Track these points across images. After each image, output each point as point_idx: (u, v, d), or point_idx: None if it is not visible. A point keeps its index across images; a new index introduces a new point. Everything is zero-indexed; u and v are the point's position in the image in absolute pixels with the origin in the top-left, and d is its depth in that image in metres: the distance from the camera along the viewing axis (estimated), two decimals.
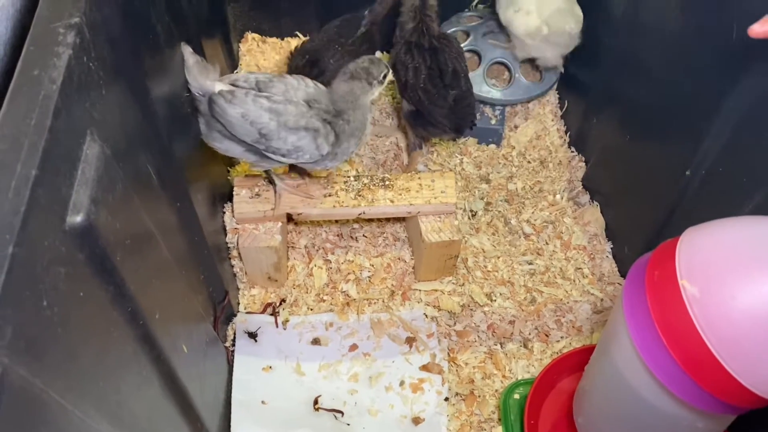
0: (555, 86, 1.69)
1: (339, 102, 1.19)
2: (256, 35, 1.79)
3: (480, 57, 1.65)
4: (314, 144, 1.16)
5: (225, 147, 1.21)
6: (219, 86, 1.14)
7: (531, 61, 1.63)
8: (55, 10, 0.75)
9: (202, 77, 1.14)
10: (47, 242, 0.62)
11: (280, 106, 1.14)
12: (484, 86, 1.62)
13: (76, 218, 0.67)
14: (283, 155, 1.18)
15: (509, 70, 1.64)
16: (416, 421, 1.30)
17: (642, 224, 1.39)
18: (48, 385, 0.59)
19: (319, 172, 1.38)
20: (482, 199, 1.58)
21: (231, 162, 1.52)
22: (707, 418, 0.83)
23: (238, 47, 1.76)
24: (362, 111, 1.21)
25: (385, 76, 1.22)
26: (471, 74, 1.62)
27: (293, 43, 1.80)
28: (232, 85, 1.15)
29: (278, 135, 1.14)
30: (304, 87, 1.18)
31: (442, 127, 1.48)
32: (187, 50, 1.15)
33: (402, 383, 1.35)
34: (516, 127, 1.69)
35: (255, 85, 1.16)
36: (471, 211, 1.56)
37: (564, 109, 1.68)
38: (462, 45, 1.64)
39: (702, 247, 0.77)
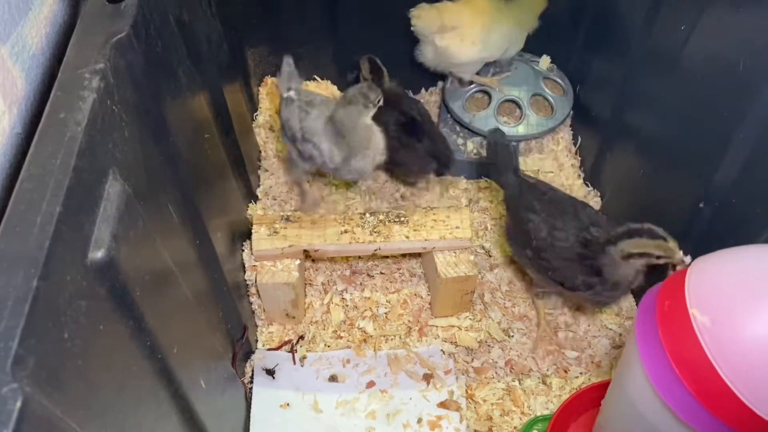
0: (568, 121, 1.71)
1: (338, 124, 1.35)
2: (275, 79, 1.84)
3: (490, 96, 1.68)
4: (318, 152, 1.37)
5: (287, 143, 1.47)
6: (286, 93, 1.42)
7: (542, 96, 1.66)
8: (82, 56, 0.79)
9: (285, 84, 1.42)
10: (69, 276, 0.65)
11: (308, 118, 1.37)
12: (495, 124, 1.65)
13: (98, 254, 0.70)
14: (305, 159, 1.42)
15: (519, 107, 1.66)
16: None
17: None
18: (68, 416, 0.61)
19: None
20: (499, 235, 1.59)
21: (250, 199, 1.55)
22: None
23: (258, 91, 1.81)
24: (364, 130, 1.35)
25: (379, 101, 1.35)
26: (482, 113, 1.66)
27: (311, 86, 1.85)
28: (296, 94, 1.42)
29: (302, 139, 1.38)
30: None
31: (422, 167, 1.55)
32: (286, 60, 1.43)
33: (420, 420, 1.34)
34: (530, 163, 1.71)
35: (307, 99, 1.41)
36: (485, 249, 1.57)
37: (578, 145, 1.70)
38: (472, 86, 1.69)
39: (712, 275, 0.77)
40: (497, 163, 1.41)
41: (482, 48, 1.57)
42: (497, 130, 1.44)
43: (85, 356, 0.65)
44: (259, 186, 1.64)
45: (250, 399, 1.34)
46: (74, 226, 0.67)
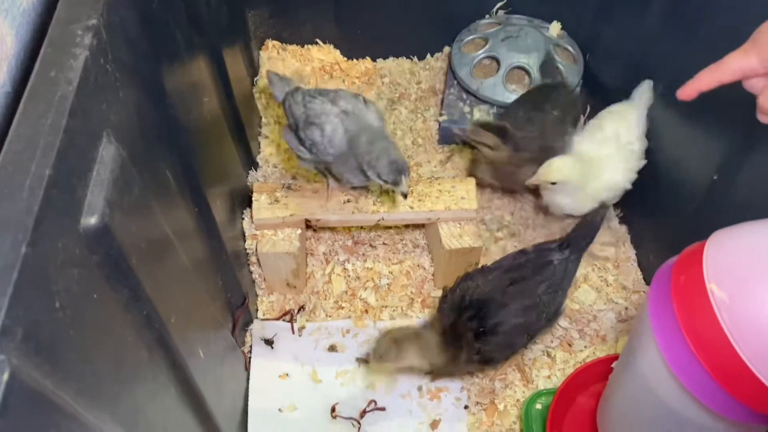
0: (578, 90, 1.67)
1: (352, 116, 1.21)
2: (276, 43, 1.79)
3: (499, 63, 1.63)
4: (321, 134, 1.20)
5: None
6: (285, 91, 1.30)
7: (552, 64, 1.61)
8: (73, 12, 0.75)
9: (280, 90, 1.31)
10: (61, 243, 0.62)
11: (315, 101, 1.23)
12: (504, 92, 1.60)
13: (91, 220, 0.67)
14: (307, 150, 1.25)
15: (529, 74, 1.62)
16: (434, 425, 1.28)
17: (667, 231, 1.36)
18: (60, 388, 0.58)
19: None
20: (506, 206, 1.56)
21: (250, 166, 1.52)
22: (738, 428, 0.80)
23: (259, 54, 1.76)
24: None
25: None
26: (490, 80, 1.62)
27: (313, 50, 1.80)
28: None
29: (305, 124, 1.22)
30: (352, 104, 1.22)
31: None
32: (269, 76, 1.34)
33: (420, 389, 1.33)
34: None
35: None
36: (486, 224, 1.54)
37: (586, 115, 1.66)
38: (480, 51, 1.64)
39: (731, 249, 0.74)
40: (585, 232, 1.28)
41: None
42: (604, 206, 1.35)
43: (77, 326, 0.62)
44: (259, 153, 1.60)
45: (249, 369, 1.32)
46: (66, 190, 0.64)
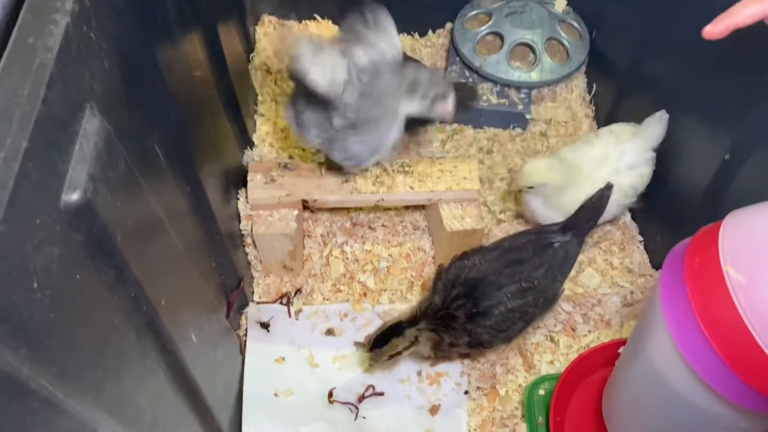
0: (583, 68, 1.62)
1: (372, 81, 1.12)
2: (273, 18, 1.74)
3: (502, 39, 1.58)
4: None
5: None
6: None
7: (557, 41, 1.57)
8: None
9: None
10: (39, 220, 0.58)
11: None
12: (507, 69, 1.56)
13: (73, 196, 0.63)
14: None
15: (533, 51, 1.57)
16: (433, 410, 1.25)
17: (675, 213, 1.32)
18: (38, 374, 0.55)
19: None
20: (507, 187, 1.52)
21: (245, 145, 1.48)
22: (752, 416, 0.77)
23: (255, 30, 1.71)
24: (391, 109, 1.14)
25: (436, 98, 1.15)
26: (493, 57, 1.57)
27: (311, 26, 1.75)
28: None
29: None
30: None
31: None
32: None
33: (419, 374, 1.30)
34: (542, 111, 1.62)
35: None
36: (488, 206, 1.50)
37: (593, 93, 1.61)
38: (483, 27, 1.59)
39: (749, 230, 0.70)
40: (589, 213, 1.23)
41: None
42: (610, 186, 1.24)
43: (58, 309, 0.59)
44: (255, 131, 1.56)
45: (245, 353, 1.29)
46: (44, 164, 0.60)
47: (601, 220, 1.28)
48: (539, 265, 1.17)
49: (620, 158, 1.30)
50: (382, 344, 1.16)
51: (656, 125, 1.31)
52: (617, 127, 1.36)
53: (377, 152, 1.21)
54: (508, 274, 1.16)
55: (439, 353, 1.22)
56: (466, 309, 1.14)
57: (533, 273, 1.16)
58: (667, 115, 1.30)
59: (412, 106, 1.17)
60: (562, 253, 1.19)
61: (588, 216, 1.22)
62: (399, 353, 1.17)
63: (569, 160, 1.32)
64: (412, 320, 1.16)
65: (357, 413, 1.25)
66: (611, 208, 1.27)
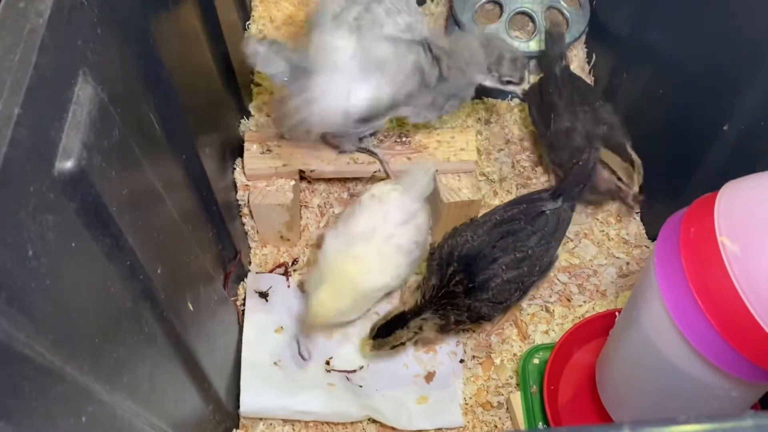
0: (583, 38, 1.60)
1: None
2: None
3: (501, 7, 1.56)
4: None
5: None
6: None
7: (557, 9, 1.54)
8: None
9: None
10: (33, 188, 0.58)
11: None
12: (506, 38, 1.54)
13: (66, 164, 0.63)
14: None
15: (533, 20, 1.55)
16: (429, 377, 1.26)
17: (672, 184, 1.32)
18: (34, 340, 0.55)
19: None
20: (507, 158, 1.51)
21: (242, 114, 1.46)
22: (743, 386, 0.78)
23: None
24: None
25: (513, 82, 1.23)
26: (492, 26, 1.55)
27: None
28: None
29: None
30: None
31: None
32: None
33: (415, 343, 1.31)
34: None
35: None
36: (486, 175, 1.49)
37: (592, 63, 1.60)
38: None
39: (745, 201, 0.70)
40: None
41: None
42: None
43: (53, 276, 0.59)
44: (252, 101, 1.54)
45: (243, 322, 1.30)
46: (37, 132, 0.59)
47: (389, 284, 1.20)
48: (532, 233, 1.17)
49: (386, 222, 1.18)
50: (386, 335, 1.15)
51: (421, 179, 1.23)
52: (377, 190, 1.22)
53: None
54: (502, 246, 1.15)
55: (444, 334, 1.22)
56: (463, 284, 1.14)
57: (526, 242, 1.16)
58: (433, 170, 1.26)
59: (487, 81, 1.23)
60: (555, 220, 1.18)
61: (577, 180, 1.21)
62: (402, 344, 1.17)
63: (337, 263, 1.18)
64: (417, 310, 1.15)
65: (353, 380, 1.26)
66: (403, 272, 1.20)
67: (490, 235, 1.16)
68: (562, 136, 1.35)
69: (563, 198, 1.20)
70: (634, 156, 1.30)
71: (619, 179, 1.29)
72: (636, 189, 1.29)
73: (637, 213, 1.44)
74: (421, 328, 1.16)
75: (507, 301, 1.18)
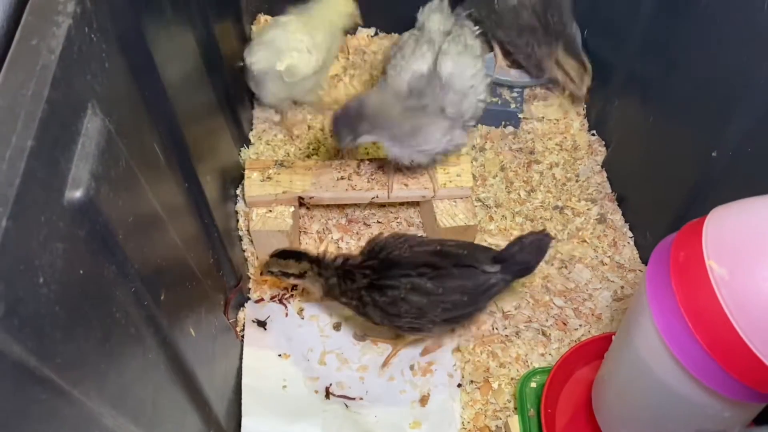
0: None
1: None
2: (268, 17, 1.75)
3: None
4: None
5: None
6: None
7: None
8: None
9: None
10: (44, 217, 0.60)
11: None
12: (501, 70, 1.58)
13: (76, 193, 0.65)
14: None
15: None
16: (423, 401, 1.27)
17: (664, 209, 1.35)
18: (44, 365, 0.57)
19: None
20: (502, 183, 1.54)
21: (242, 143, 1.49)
22: (735, 406, 0.79)
23: (251, 30, 1.73)
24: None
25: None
26: (486, 56, 1.59)
27: None
28: None
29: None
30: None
31: None
32: None
33: (412, 367, 1.32)
34: (534, 110, 1.65)
35: None
36: (482, 201, 1.52)
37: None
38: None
39: (731, 226, 0.72)
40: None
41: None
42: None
43: (63, 302, 0.61)
44: (251, 130, 1.57)
45: (243, 348, 1.31)
46: (49, 163, 0.62)
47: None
48: (454, 277, 1.16)
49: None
50: (281, 258, 1.20)
51: None
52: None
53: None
54: (421, 271, 1.15)
55: (328, 298, 1.25)
56: (369, 278, 1.16)
57: (443, 281, 1.15)
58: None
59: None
60: (483, 281, 1.17)
61: (523, 258, 1.18)
62: (287, 275, 1.21)
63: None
64: (322, 262, 1.20)
65: (351, 407, 1.26)
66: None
67: (421, 256, 1.17)
68: (509, 13, 1.42)
69: (502, 268, 1.17)
70: (587, 61, 1.50)
71: (572, 81, 1.52)
72: (584, 90, 1.53)
73: (630, 238, 1.47)
74: (305, 274, 1.20)
75: (397, 319, 1.19)
